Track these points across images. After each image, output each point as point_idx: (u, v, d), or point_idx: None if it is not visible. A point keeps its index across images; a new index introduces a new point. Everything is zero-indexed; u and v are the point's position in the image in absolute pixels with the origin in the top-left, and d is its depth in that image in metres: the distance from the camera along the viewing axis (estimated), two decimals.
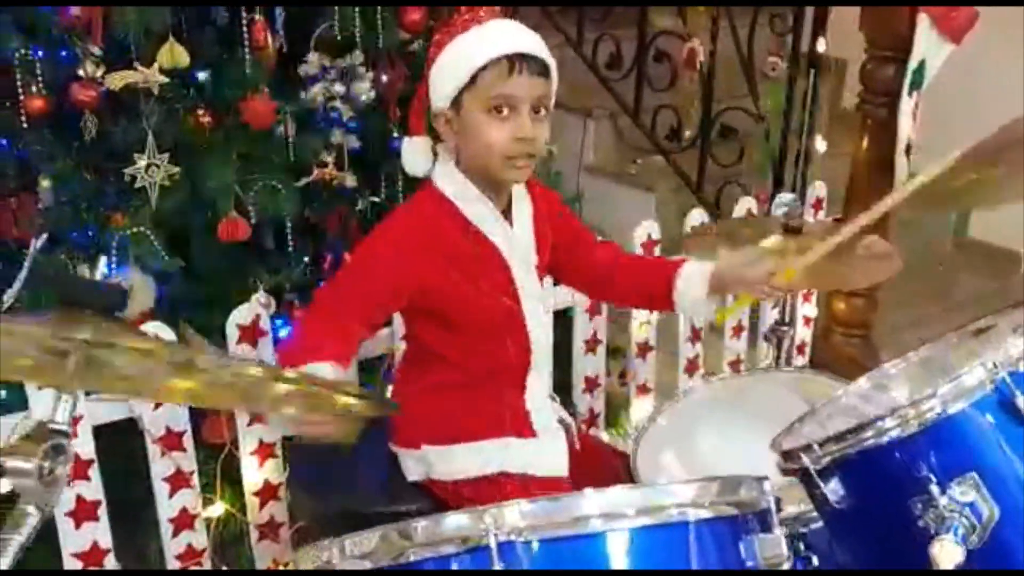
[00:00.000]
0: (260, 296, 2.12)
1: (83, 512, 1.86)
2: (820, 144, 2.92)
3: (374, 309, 1.65)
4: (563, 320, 2.37)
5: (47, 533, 1.83)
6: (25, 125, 2.11)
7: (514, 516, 0.91)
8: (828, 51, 2.87)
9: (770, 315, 2.81)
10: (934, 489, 1.07)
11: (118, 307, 0.98)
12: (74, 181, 2.16)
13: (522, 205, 1.71)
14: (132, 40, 2.04)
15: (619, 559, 0.91)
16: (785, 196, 2.75)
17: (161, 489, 1.95)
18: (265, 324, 1.99)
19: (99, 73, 2.10)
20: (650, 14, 3.37)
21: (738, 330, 2.77)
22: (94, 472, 1.87)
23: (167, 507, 1.97)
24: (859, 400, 1.39)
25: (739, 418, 1.81)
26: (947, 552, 0.99)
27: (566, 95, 3.64)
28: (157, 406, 1.90)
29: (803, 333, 2.96)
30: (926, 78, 2.64)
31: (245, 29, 2.14)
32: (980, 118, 3.15)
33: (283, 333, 2.14)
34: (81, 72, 2.09)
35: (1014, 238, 3.70)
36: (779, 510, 1.06)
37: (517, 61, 1.56)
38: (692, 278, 1.75)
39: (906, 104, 2.61)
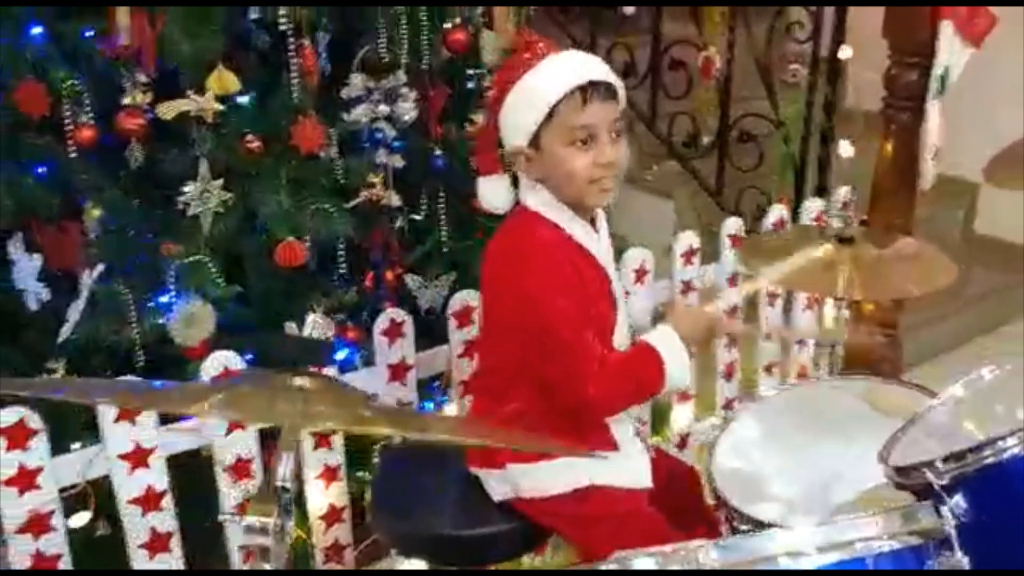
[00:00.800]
0: (318, 318, 2.12)
1: (157, 543, 1.87)
2: (846, 149, 2.96)
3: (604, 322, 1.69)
4: None
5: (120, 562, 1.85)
6: (72, 154, 2.11)
7: (707, 557, 0.93)
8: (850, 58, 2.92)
9: (802, 319, 2.86)
10: None
11: (320, 360, 0.99)
12: (122, 210, 2.17)
13: (601, 221, 1.74)
14: (183, 68, 2.04)
15: None
16: (816, 203, 2.81)
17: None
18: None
19: (145, 101, 2.10)
20: (664, 23, 3.39)
21: (770, 334, 2.81)
22: (167, 503, 1.87)
23: (237, 535, 1.97)
24: (962, 410, 1.42)
25: (812, 428, 1.83)
26: None
27: None
28: (228, 433, 1.90)
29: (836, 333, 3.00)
30: (949, 83, 2.69)
31: (293, 53, 2.15)
32: (994, 120, 3.28)
33: (340, 355, 2.16)
34: (127, 100, 2.09)
35: (1018, 231, 3.78)
36: None
37: (589, 90, 1.59)
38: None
39: (933, 109, 2.66)
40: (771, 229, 2.69)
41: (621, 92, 1.65)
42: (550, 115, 1.60)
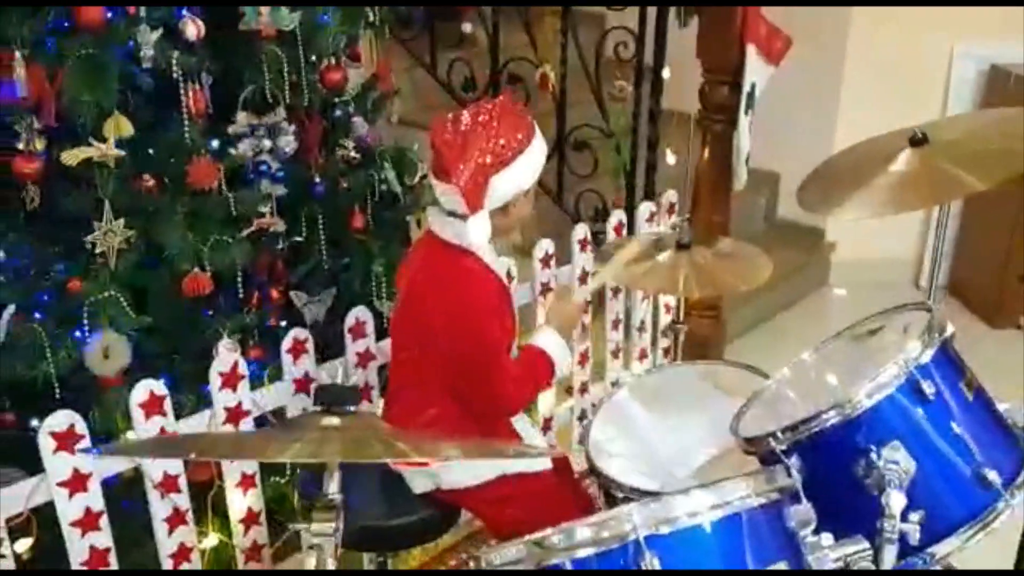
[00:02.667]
0: (227, 343, 2.31)
1: (97, 560, 2.03)
2: (670, 157, 3.36)
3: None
4: None
5: None
6: None
7: (645, 515, 1.25)
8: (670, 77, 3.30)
9: (640, 309, 3.24)
10: (872, 456, 1.48)
11: (356, 402, 1.22)
12: (22, 251, 2.29)
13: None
14: (84, 117, 2.18)
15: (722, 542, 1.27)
16: (647, 205, 3.18)
17: (161, 529, 2.14)
18: (243, 368, 2.20)
19: (41, 147, 2.23)
20: (501, 40, 3.69)
21: (616, 323, 3.17)
22: (104, 523, 2.03)
23: (167, 544, 2.15)
24: (789, 387, 1.80)
25: (670, 410, 2.19)
26: (895, 500, 1.40)
27: (421, 114, 3.96)
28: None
29: (665, 319, 3.40)
30: (756, 97, 3.12)
31: (184, 97, 2.32)
32: (791, 119, 3.75)
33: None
34: (20, 146, 2.21)
35: (817, 216, 4.30)
36: None
37: None
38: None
39: (743, 122, 3.07)
40: (615, 235, 3.04)
41: None
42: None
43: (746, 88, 3.07)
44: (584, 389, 3.11)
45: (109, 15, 2.22)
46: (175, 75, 2.29)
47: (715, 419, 2.08)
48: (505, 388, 1.93)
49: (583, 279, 2.99)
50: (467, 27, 3.83)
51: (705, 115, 3.22)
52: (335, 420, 1.15)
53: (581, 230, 2.96)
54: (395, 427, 2.06)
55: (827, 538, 1.36)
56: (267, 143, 2.50)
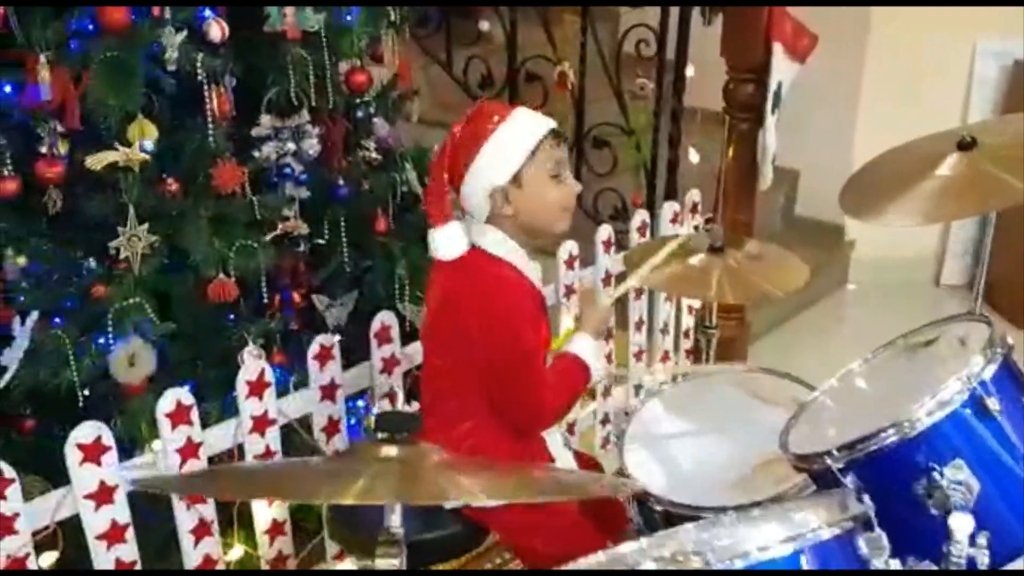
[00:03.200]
0: (252, 349, 2.27)
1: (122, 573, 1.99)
2: (693, 155, 3.31)
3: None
4: None
5: None
6: None
7: (718, 551, 1.20)
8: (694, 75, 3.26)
9: (662, 311, 3.20)
10: (935, 475, 1.44)
11: (414, 429, 1.18)
12: (46, 256, 2.24)
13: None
14: (109, 120, 2.13)
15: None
16: (672, 205, 3.14)
17: (187, 540, 2.10)
18: (269, 376, 2.16)
19: (64, 151, 2.18)
20: (519, 38, 3.64)
21: (639, 324, 3.13)
22: (130, 535, 1.99)
23: (192, 556, 2.12)
24: (838, 399, 1.75)
25: (705, 420, 2.15)
26: (962, 523, 1.36)
27: (439, 112, 3.91)
28: (182, 464, 2.04)
29: (688, 320, 3.36)
30: (783, 95, 3.07)
31: (208, 100, 2.27)
32: (808, 116, 3.71)
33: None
34: (43, 150, 2.17)
35: (836, 213, 4.26)
36: None
37: (557, 134, 1.90)
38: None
39: (770, 121, 3.03)
40: (638, 236, 3.00)
41: None
42: (533, 153, 1.85)
43: (772, 87, 3.02)
44: (607, 392, 3.08)
45: (133, 17, 2.17)
46: (199, 77, 2.24)
47: (754, 429, 2.05)
48: (542, 397, 1.89)
49: (607, 281, 2.95)
50: (484, 25, 3.78)
51: (730, 113, 3.17)
52: (392, 450, 1.10)
53: (605, 231, 2.92)
54: (438, 445, 2.04)
55: (895, 564, 1.32)
56: (291, 146, 2.45)
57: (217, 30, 2.27)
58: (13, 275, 2.24)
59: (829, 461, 1.52)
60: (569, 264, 2.81)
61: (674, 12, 3.29)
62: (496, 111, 1.88)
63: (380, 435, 1.15)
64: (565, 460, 2.03)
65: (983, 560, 1.37)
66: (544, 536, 1.93)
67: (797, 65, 3.11)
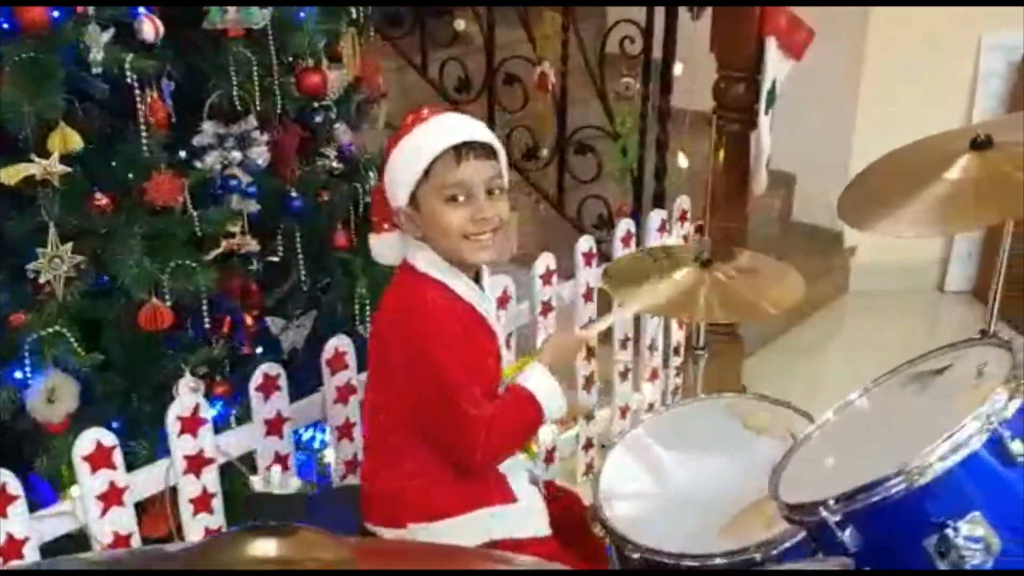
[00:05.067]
0: (189, 381, 2.06)
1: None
2: (683, 160, 3.10)
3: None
4: None
5: None
6: None
7: None
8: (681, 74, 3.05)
9: (650, 325, 2.98)
10: (949, 532, 1.22)
11: (300, 516, 0.96)
12: None
13: (485, 279, 1.78)
14: (26, 130, 1.93)
15: None
16: (659, 213, 2.93)
17: None
18: (205, 412, 1.95)
19: None
20: (497, 38, 3.44)
21: (625, 342, 2.91)
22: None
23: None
24: (832, 436, 1.54)
25: (691, 453, 1.93)
26: None
27: None
28: (104, 513, 1.83)
29: (677, 335, 3.14)
30: (777, 94, 2.86)
31: (141, 105, 2.06)
32: (805, 116, 3.49)
33: (211, 412, 2.10)
34: None
35: (835, 218, 4.04)
36: None
37: (463, 149, 1.64)
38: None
39: (764, 122, 2.82)
40: (622, 247, 2.79)
41: (500, 153, 1.70)
42: (426, 174, 1.63)
43: (766, 85, 2.82)
44: (590, 416, 2.86)
45: (56, 14, 1.97)
46: (129, 80, 2.03)
47: (744, 464, 1.84)
48: (472, 434, 1.66)
49: (587, 296, 2.73)
50: (460, 24, 3.57)
51: (720, 114, 2.96)
52: (271, 546, 0.85)
53: (585, 242, 2.70)
54: (370, 487, 1.81)
55: None
56: (236, 155, 2.23)
57: (150, 28, 2.06)
58: None
59: (825, 513, 1.30)
60: (546, 279, 2.60)
61: (661, 8, 3.07)
62: (411, 119, 1.69)
63: (251, 522, 0.91)
64: (530, 499, 1.81)
65: None
66: None
67: (792, 61, 2.90)
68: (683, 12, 2.99)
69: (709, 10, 2.88)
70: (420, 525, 1.70)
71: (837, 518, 1.30)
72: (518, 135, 3.48)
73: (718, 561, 1.65)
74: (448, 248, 1.68)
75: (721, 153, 3.00)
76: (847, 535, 1.30)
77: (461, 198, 1.65)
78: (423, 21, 3.63)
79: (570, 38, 3.23)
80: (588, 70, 3.27)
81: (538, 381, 1.74)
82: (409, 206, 1.67)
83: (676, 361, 3.16)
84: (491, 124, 3.50)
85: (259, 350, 2.38)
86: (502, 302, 2.46)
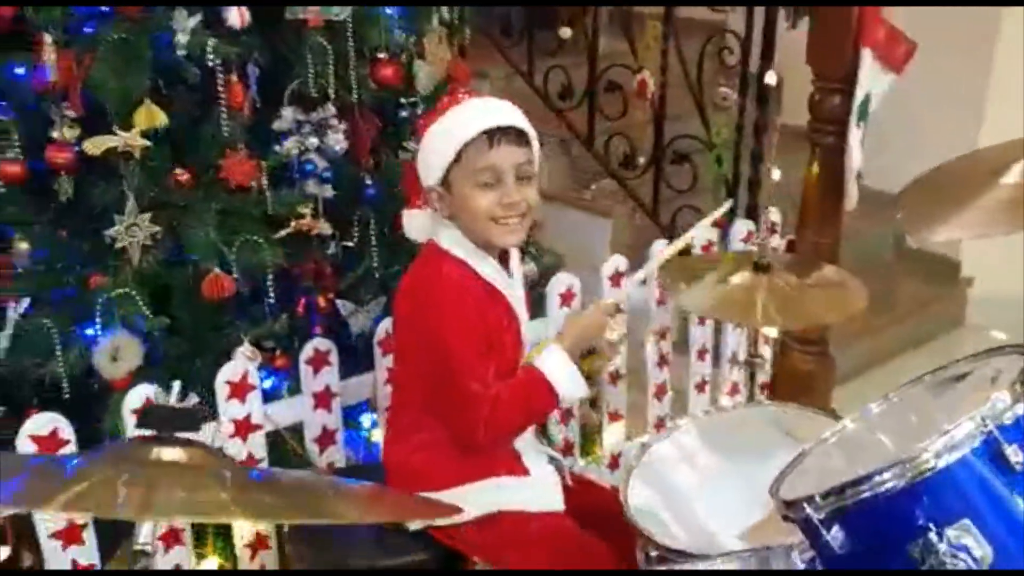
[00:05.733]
0: (245, 349, 2.15)
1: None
2: (775, 172, 3.03)
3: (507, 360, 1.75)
4: None
5: None
6: (2, 189, 2.13)
7: None
8: (778, 82, 2.99)
9: (731, 336, 2.92)
10: (932, 536, 1.16)
11: (195, 429, 1.01)
12: (50, 243, 2.18)
13: (516, 265, 1.80)
14: (110, 105, 2.06)
15: None
16: (745, 224, 2.88)
17: (157, 547, 1.97)
18: (254, 378, 2.03)
19: (74, 136, 2.12)
20: (600, 46, 3.45)
21: (702, 353, 2.87)
22: (88, 535, 1.88)
23: (161, 564, 1.99)
24: (847, 443, 1.48)
25: (726, 457, 1.89)
26: None
27: None
28: None
29: (763, 350, 3.06)
30: (871, 108, 2.77)
31: (221, 89, 2.17)
32: (922, 137, 3.36)
33: (267, 384, 2.19)
34: (55, 135, 2.11)
35: (951, 246, 3.87)
36: None
37: (496, 134, 1.67)
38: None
39: (854, 134, 2.73)
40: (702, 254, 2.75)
41: (533, 139, 1.71)
42: (458, 157, 1.66)
43: (859, 97, 2.72)
44: (661, 425, 2.82)
45: None
46: (211, 64, 2.15)
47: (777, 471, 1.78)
48: (475, 412, 1.66)
49: (661, 300, 2.70)
50: (565, 32, 3.60)
51: (815, 126, 2.88)
52: (175, 453, 0.90)
53: (659, 245, 2.67)
54: (385, 460, 1.86)
55: None
56: (314, 141, 2.33)
57: (236, 16, 2.18)
58: (19, 260, 2.19)
59: (809, 510, 1.26)
60: (615, 280, 2.58)
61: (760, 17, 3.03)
62: (446, 102, 1.73)
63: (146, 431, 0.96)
64: (543, 475, 1.80)
65: None
66: (521, 552, 1.73)
67: (892, 75, 2.80)
68: (782, 22, 2.93)
69: (807, 19, 2.82)
70: (430, 495, 1.72)
71: (822, 516, 1.26)
72: (616, 142, 3.48)
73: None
74: (476, 230, 1.71)
75: (814, 166, 2.92)
76: (832, 534, 1.26)
77: (491, 182, 1.67)
78: (531, 30, 3.68)
79: (670, 47, 3.21)
80: (687, 79, 3.24)
81: (553, 363, 1.74)
82: (441, 186, 1.71)
83: (761, 378, 3.08)
84: (591, 131, 3.53)
85: (331, 332, 2.46)
86: (565, 299, 2.47)
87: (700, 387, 2.90)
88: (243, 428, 2.03)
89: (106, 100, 2.07)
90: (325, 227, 2.38)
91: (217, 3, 2.15)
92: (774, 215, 2.99)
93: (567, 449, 2.62)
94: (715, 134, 3.18)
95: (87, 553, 1.87)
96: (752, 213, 3.13)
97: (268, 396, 2.12)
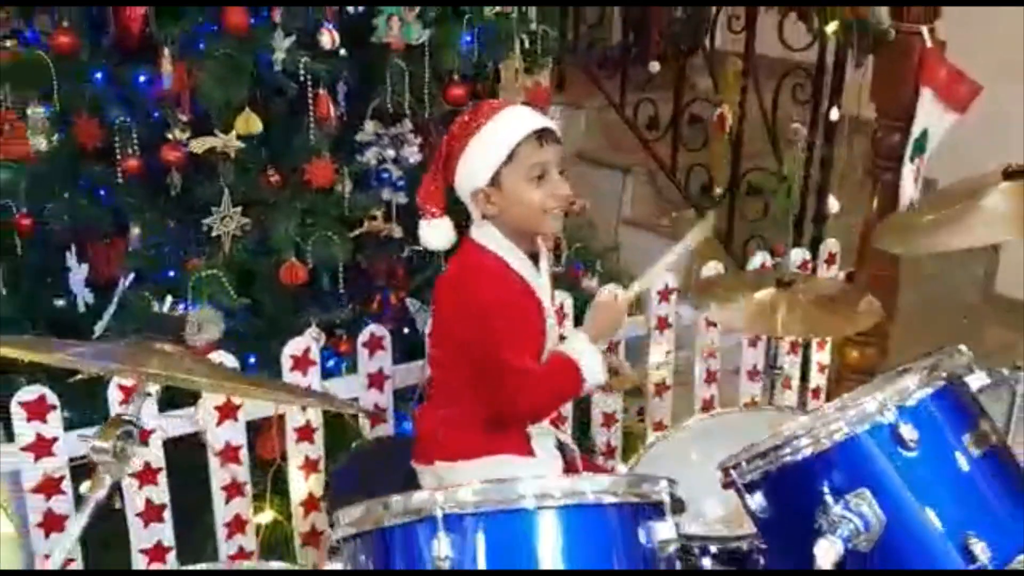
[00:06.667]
0: (312, 331, 2.42)
1: (151, 514, 2.17)
2: (833, 204, 3.15)
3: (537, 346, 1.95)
4: None
5: (120, 531, 2.16)
6: (120, 181, 2.48)
7: (465, 494, 1.18)
8: (844, 119, 3.11)
9: (785, 361, 3.04)
10: (828, 499, 1.31)
11: (177, 332, 1.28)
12: (159, 230, 2.53)
13: (544, 262, 2.01)
14: (214, 111, 2.39)
15: (547, 533, 1.17)
16: (801, 252, 3.01)
17: (219, 497, 2.26)
18: (314, 355, 2.30)
19: (185, 137, 2.46)
20: (686, 81, 3.64)
21: (753, 373, 2.99)
22: (162, 479, 2.18)
23: (223, 512, 2.27)
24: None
25: (716, 452, 2.04)
26: (825, 549, 1.23)
27: (605, 153, 3.97)
28: (220, 423, 2.21)
29: (817, 379, 3.16)
30: (929, 145, 2.86)
31: (311, 102, 2.48)
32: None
33: (330, 364, 2.46)
34: (170, 136, 2.45)
35: None
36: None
37: (543, 134, 1.89)
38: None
39: (907, 169, 2.83)
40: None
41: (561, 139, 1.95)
42: (511, 156, 1.88)
43: (914, 133, 2.83)
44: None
45: (253, 21, 2.43)
46: (303, 80, 2.46)
47: None
48: (516, 384, 1.85)
49: (711, 323, 2.86)
50: (654, 67, 3.81)
51: (876, 162, 3.00)
52: (168, 347, 1.18)
53: (711, 268, 2.83)
54: (416, 429, 2.09)
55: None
56: (391, 152, 2.61)
57: (328, 38, 2.47)
58: (133, 243, 2.54)
59: (734, 474, 1.42)
60: (664, 296, 2.75)
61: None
62: (485, 110, 1.92)
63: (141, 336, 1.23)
64: (547, 457, 1.99)
65: None
66: None
67: (954, 115, 2.90)
68: (851, 60, 3.06)
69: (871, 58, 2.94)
70: (444, 463, 1.94)
71: (746, 480, 1.42)
72: (696, 173, 3.65)
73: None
74: (530, 222, 1.91)
75: (875, 200, 3.03)
76: (755, 500, 1.41)
77: (543, 177, 1.89)
78: (625, 65, 3.90)
79: (748, 83, 3.37)
80: (763, 115, 3.39)
81: (581, 348, 1.92)
82: (491, 186, 1.92)
83: (814, 404, 3.18)
84: (674, 161, 3.71)
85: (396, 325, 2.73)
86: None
87: (751, 404, 3.02)
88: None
89: (211, 107, 2.40)
90: (396, 230, 2.65)
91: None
92: (833, 246, 3.11)
93: (609, 452, 2.80)
94: (786, 167, 3.32)
95: (159, 494, 2.18)
96: (817, 244, 3.24)
97: (327, 374, 2.38)
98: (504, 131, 1.90)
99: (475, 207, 1.97)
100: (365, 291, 2.71)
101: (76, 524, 1.37)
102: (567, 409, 2.57)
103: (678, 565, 1.31)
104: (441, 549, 1.12)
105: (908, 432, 1.31)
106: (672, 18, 3.86)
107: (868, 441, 1.33)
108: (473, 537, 1.15)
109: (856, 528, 1.29)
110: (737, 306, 2.30)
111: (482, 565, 1.14)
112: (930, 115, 2.84)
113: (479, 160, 1.91)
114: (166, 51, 2.39)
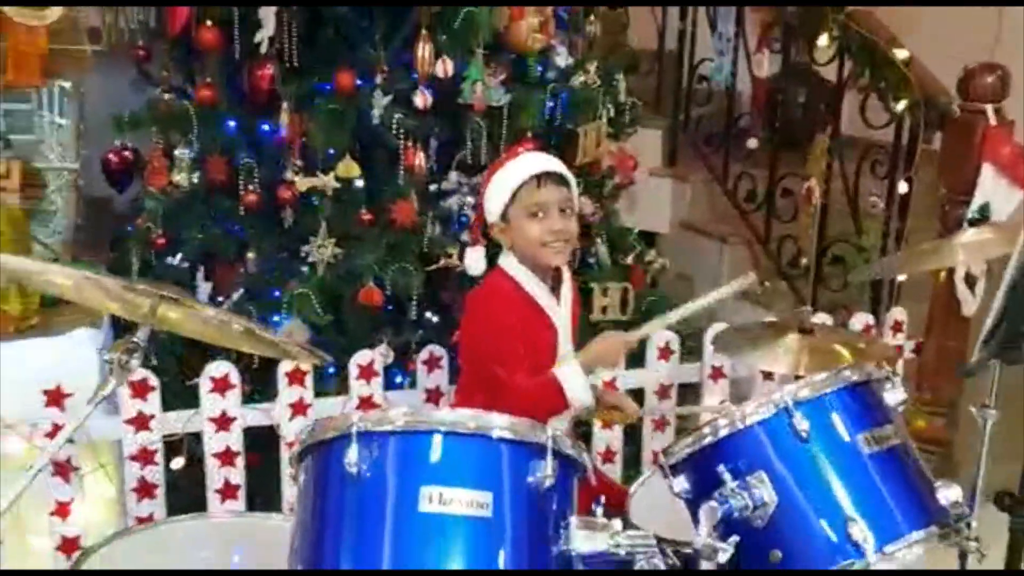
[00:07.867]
0: (382, 348, 2.74)
1: (227, 492, 2.52)
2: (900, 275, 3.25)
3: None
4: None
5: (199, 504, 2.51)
6: (242, 213, 2.92)
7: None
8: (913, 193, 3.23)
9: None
10: (726, 476, 1.50)
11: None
12: (271, 256, 2.94)
13: (566, 289, 2.26)
14: (320, 157, 2.81)
15: (436, 452, 1.41)
16: (865, 317, 3.12)
17: (288, 483, 2.58)
18: (378, 367, 2.61)
19: (296, 178, 2.88)
20: (781, 157, 3.83)
21: None
22: (239, 462, 2.53)
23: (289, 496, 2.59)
24: None
25: None
26: (706, 512, 1.42)
27: (707, 223, 4.17)
28: (293, 417, 2.55)
29: None
30: (990, 218, 2.95)
31: (403, 153, 2.85)
32: None
33: (397, 379, 2.78)
34: (286, 176, 2.88)
35: None
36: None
37: (542, 177, 2.17)
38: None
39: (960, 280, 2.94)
40: None
41: (571, 181, 2.21)
42: (514, 196, 2.17)
43: (974, 206, 2.93)
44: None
45: (359, 83, 2.85)
46: (398, 133, 2.84)
47: None
48: (499, 394, 2.07)
49: (768, 375, 3.00)
50: (752, 143, 4.01)
51: (942, 234, 3.09)
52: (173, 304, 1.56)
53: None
54: None
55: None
56: (471, 200, 2.94)
57: (420, 99, 2.85)
58: (249, 266, 2.96)
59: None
60: (719, 346, 2.93)
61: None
62: (506, 156, 2.24)
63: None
64: None
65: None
66: None
67: (1020, 192, 2.98)
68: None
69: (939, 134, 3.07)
70: None
71: (672, 462, 1.61)
72: (787, 244, 3.81)
73: None
74: (531, 253, 2.18)
75: (943, 272, 3.12)
76: (678, 482, 1.61)
77: (540, 214, 2.16)
78: (728, 142, 4.13)
79: (833, 159, 3.54)
80: (845, 189, 3.54)
81: (569, 372, 2.14)
82: (502, 221, 2.22)
83: None
84: (767, 232, 3.89)
85: None
86: (663, 354, 2.87)
87: None
88: (366, 404, 2.61)
89: (318, 153, 2.81)
90: (464, 266, 2.96)
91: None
92: (899, 314, 3.20)
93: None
94: (866, 239, 3.44)
95: (237, 475, 2.53)
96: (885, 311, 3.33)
97: (388, 387, 2.69)
98: (511, 174, 2.19)
99: (495, 237, 2.26)
100: (443, 321, 3.03)
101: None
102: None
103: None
104: (351, 456, 1.38)
105: (801, 423, 1.49)
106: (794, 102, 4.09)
107: (768, 428, 1.52)
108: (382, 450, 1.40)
109: (746, 503, 1.47)
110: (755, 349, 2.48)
111: (390, 477, 1.39)
112: (994, 190, 2.94)
113: (494, 198, 2.21)
114: (284, 104, 2.83)
